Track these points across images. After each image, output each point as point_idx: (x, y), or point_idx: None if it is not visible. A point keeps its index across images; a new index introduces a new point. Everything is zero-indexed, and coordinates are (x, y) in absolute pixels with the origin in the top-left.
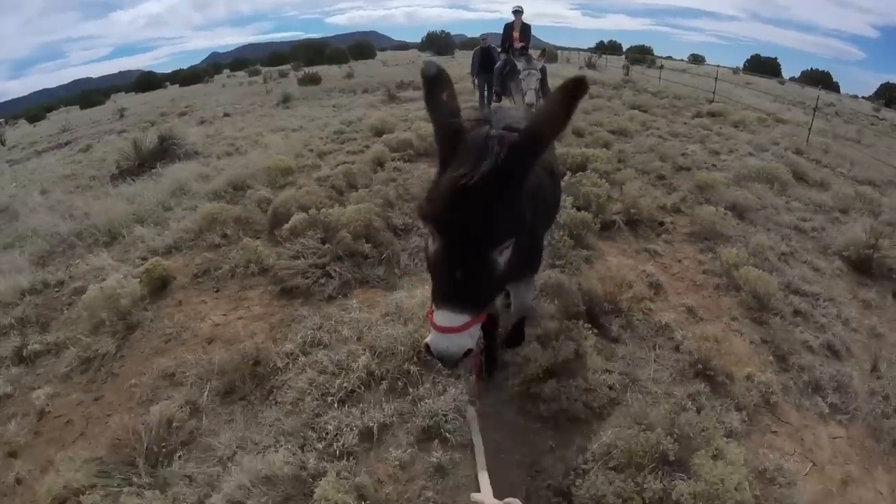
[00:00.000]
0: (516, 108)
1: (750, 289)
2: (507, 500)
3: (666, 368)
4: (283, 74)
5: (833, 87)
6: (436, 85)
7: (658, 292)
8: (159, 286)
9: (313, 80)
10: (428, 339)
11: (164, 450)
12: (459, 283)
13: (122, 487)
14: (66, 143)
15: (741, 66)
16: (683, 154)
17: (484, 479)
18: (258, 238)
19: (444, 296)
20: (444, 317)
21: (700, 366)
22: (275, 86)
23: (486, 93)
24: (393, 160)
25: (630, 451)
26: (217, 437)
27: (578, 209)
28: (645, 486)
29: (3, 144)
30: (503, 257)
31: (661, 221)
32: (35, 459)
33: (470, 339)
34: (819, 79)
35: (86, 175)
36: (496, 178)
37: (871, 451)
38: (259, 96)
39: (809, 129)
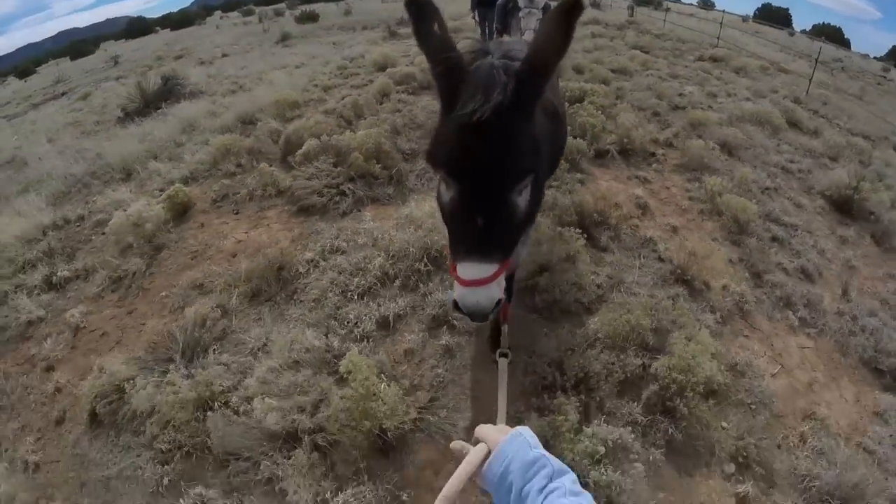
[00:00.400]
0: (514, 41)
1: (731, 214)
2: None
3: (649, 274)
4: (279, 13)
5: (844, 43)
6: (423, 16)
7: (645, 213)
8: (181, 211)
9: (311, 17)
10: (455, 295)
11: (198, 347)
12: (481, 231)
13: (162, 378)
14: (63, 94)
15: (751, 13)
16: (681, 94)
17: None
18: (272, 165)
19: (467, 247)
20: (469, 269)
21: (680, 272)
22: (271, 25)
23: (486, 30)
24: (397, 92)
25: (615, 333)
26: (247, 333)
27: (574, 137)
28: (627, 362)
29: None
30: (523, 197)
31: (653, 153)
32: (73, 370)
33: (499, 288)
34: (829, 33)
35: (89, 121)
36: (510, 110)
37: (839, 363)
38: (256, 36)
39: (810, 80)
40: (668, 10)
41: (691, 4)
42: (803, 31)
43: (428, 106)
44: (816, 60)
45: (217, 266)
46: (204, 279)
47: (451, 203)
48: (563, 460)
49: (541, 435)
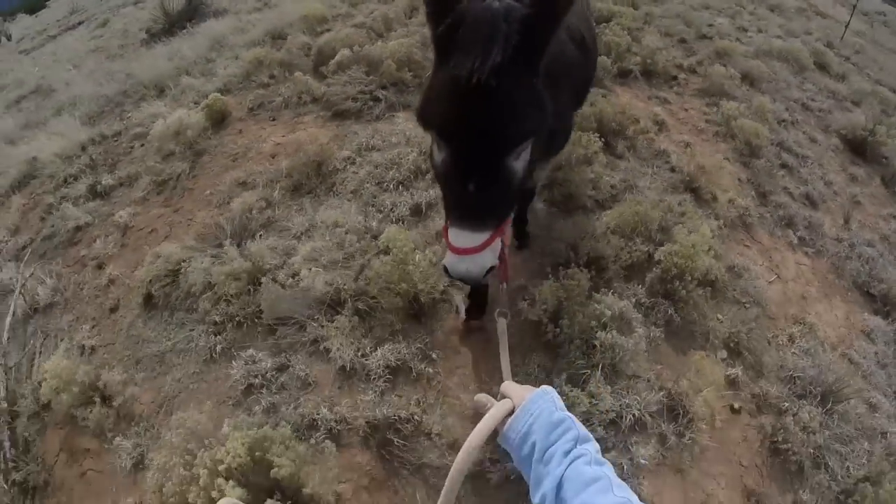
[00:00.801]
0: None
1: (743, 137)
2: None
3: (660, 182)
4: None
5: None
6: None
7: (662, 129)
8: (219, 119)
9: None
10: (445, 261)
11: (245, 232)
12: (474, 197)
13: (215, 258)
14: (80, 24)
15: None
16: (710, 25)
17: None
18: (305, 75)
19: (459, 213)
20: (460, 237)
21: (689, 180)
22: None
23: None
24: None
25: (624, 222)
26: (290, 220)
27: (599, 54)
28: (634, 248)
29: (10, 39)
30: (521, 161)
31: (675, 76)
32: (124, 264)
33: (492, 255)
34: None
35: (113, 46)
36: (510, 68)
37: (832, 283)
38: None
39: (846, 25)
40: None
41: None
42: None
43: None
44: (854, 6)
45: (258, 166)
46: (246, 177)
47: (443, 166)
48: (573, 321)
49: (554, 297)
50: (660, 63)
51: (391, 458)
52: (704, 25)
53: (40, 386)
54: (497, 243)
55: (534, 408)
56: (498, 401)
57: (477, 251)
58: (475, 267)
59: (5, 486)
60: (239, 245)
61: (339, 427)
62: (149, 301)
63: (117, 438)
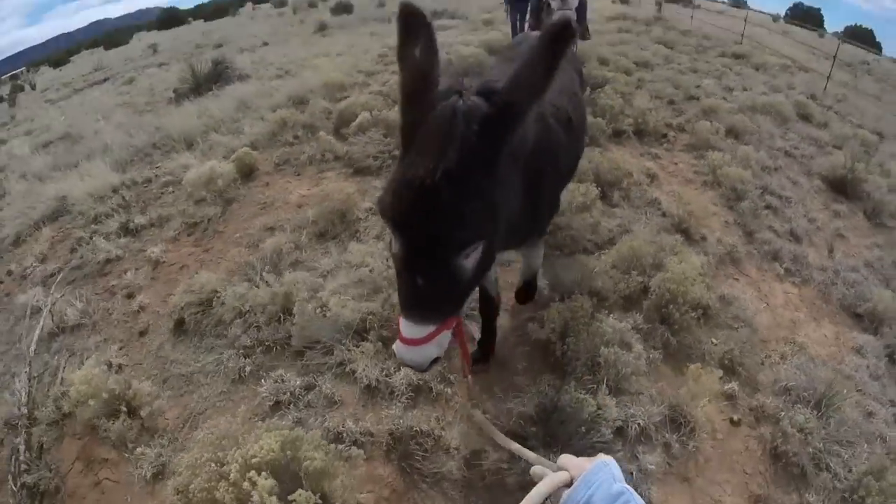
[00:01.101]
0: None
1: (729, 184)
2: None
3: (653, 225)
4: (312, 5)
5: (875, 45)
6: (410, 32)
7: (653, 181)
8: (247, 172)
9: (346, 8)
10: (395, 346)
11: (275, 270)
12: (421, 291)
13: (250, 283)
14: (105, 80)
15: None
16: (698, 86)
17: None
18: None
19: (406, 304)
20: (406, 327)
21: (679, 222)
22: (306, 16)
23: (518, 25)
24: None
25: (621, 258)
26: (317, 262)
27: (595, 116)
28: (630, 280)
29: (34, 88)
30: (471, 260)
31: (665, 134)
32: (155, 295)
33: (437, 348)
34: (861, 35)
35: (140, 102)
36: (462, 171)
37: (820, 308)
38: (293, 26)
39: (828, 77)
40: (697, 6)
41: (722, 2)
42: (835, 33)
43: None
44: (835, 58)
45: (285, 214)
46: (274, 223)
47: (396, 256)
48: (578, 339)
49: (561, 318)
50: (651, 123)
51: (412, 471)
52: (692, 87)
53: (62, 396)
54: (445, 335)
55: (594, 479)
56: (555, 472)
57: (422, 342)
58: (419, 357)
59: (14, 488)
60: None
61: (363, 439)
62: (179, 326)
63: (139, 448)
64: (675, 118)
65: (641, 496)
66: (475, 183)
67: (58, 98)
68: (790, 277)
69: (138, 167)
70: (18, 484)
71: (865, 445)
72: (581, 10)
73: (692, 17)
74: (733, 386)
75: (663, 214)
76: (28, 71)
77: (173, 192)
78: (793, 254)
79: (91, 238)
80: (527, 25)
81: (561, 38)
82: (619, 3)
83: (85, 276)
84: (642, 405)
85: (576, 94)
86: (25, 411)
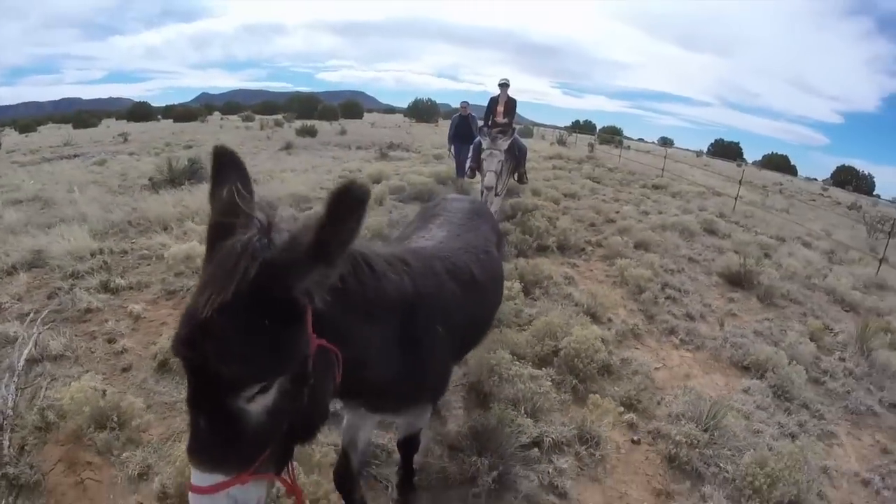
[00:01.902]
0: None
1: (634, 282)
2: None
3: (568, 312)
4: (279, 124)
5: (790, 170)
6: (221, 171)
7: (570, 282)
8: None
9: (310, 132)
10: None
11: None
12: (202, 434)
13: None
14: (76, 156)
15: (706, 149)
16: (616, 212)
17: None
18: None
19: (189, 447)
20: (193, 473)
21: (589, 309)
22: (273, 133)
23: (461, 165)
24: (390, 200)
25: (537, 331)
26: None
27: (524, 234)
28: (544, 344)
29: (0, 147)
30: (258, 406)
31: (584, 248)
32: (137, 342)
33: (229, 500)
34: (777, 162)
35: (113, 184)
36: (240, 309)
37: (712, 366)
38: (260, 141)
39: (735, 198)
40: (627, 147)
41: (652, 143)
42: (754, 163)
43: (413, 212)
44: (740, 182)
45: None
46: None
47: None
48: (500, 380)
49: (487, 365)
50: (571, 240)
51: None
52: (612, 212)
53: (47, 408)
54: (247, 488)
55: None
56: None
57: (209, 492)
58: None
59: None
60: None
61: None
62: (163, 367)
63: (125, 454)
64: (593, 237)
65: (558, 493)
66: (251, 322)
67: (26, 162)
68: (685, 346)
69: (115, 239)
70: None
71: (752, 451)
72: (521, 156)
73: (619, 156)
74: (632, 416)
75: (576, 304)
76: None
77: (150, 264)
78: (687, 329)
79: (71, 289)
80: (467, 165)
81: (345, 197)
82: (557, 145)
83: (65, 319)
84: (555, 426)
85: (487, 252)
86: (11, 413)
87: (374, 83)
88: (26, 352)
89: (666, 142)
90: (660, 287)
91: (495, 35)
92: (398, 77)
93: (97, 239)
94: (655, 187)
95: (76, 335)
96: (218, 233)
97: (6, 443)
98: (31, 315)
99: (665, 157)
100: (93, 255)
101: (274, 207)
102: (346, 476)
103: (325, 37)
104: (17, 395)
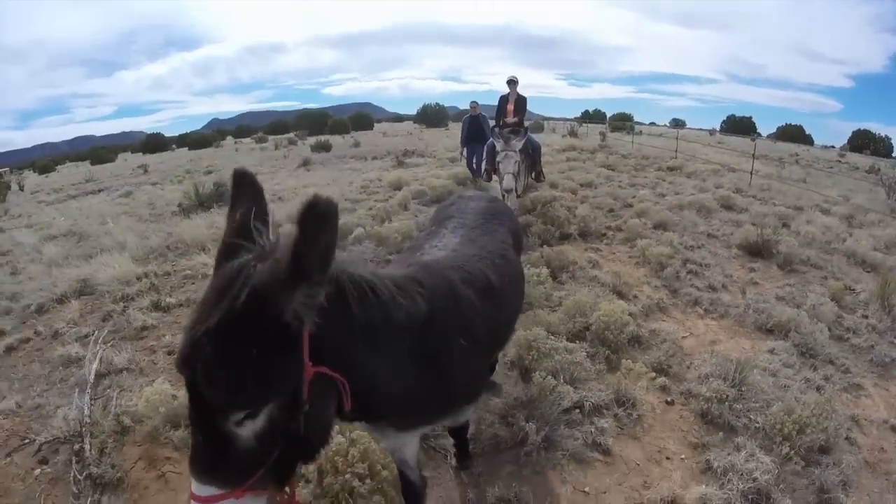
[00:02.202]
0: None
1: (656, 260)
2: None
3: (595, 292)
4: (293, 142)
5: (806, 139)
6: (238, 192)
7: (595, 266)
8: None
9: (325, 147)
10: None
11: None
12: (198, 447)
13: None
14: (100, 191)
15: (718, 127)
16: (633, 196)
17: None
18: None
19: (190, 458)
20: (192, 483)
21: (616, 288)
22: (287, 152)
23: (474, 168)
24: (414, 203)
25: (567, 309)
26: None
27: (545, 225)
28: (575, 322)
29: (22, 190)
30: (247, 430)
31: (604, 233)
32: None
33: None
34: (792, 133)
35: (143, 213)
36: (228, 335)
37: (737, 331)
38: (277, 160)
39: (751, 173)
40: (639, 132)
41: (664, 125)
42: (769, 136)
43: None
44: (753, 156)
45: None
46: None
47: None
48: (539, 353)
49: (525, 342)
50: (592, 226)
51: None
52: (629, 197)
53: (122, 414)
54: (244, 502)
55: None
56: None
57: (205, 502)
58: None
59: (79, 477)
60: None
61: None
62: None
63: None
64: (613, 222)
65: (602, 450)
66: (237, 349)
67: (52, 201)
68: (710, 315)
69: (157, 263)
70: (83, 475)
71: (780, 402)
72: (535, 154)
73: (632, 142)
74: (664, 380)
75: (602, 284)
76: (12, 172)
77: (194, 283)
78: (710, 299)
79: (124, 310)
80: (483, 168)
81: (308, 218)
82: (569, 137)
83: (122, 338)
84: (593, 391)
85: (504, 256)
86: (88, 420)
87: (380, 93)
88: (94, 367)
89: (678, 123)
90: (681, 263)
91: (492, 32)
92: (402, 84)
93: (139, 264)
94: (670, 169)
95: (136, 351)
96: (225, 254)
97: (87, 446)
98: (94, 335)
99: (677, 139)
100: (138, 278)
101: (278, 232)
102: (412, 494)
103: (326, 51)
104: (91, 405)
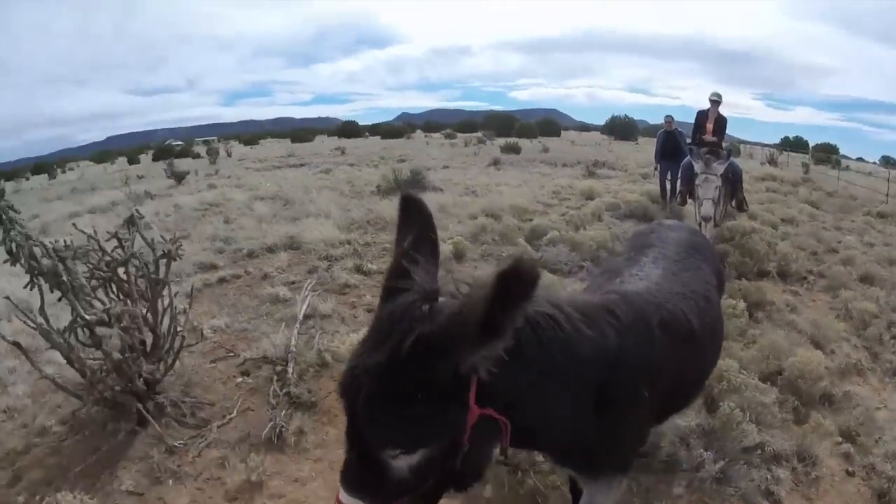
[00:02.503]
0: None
1: (859, 316)
2: None
3: (791, 339)
4: (481, 141)
5: None
6: (406, 218)
7: (793, 310)
8: (460, 255)
9: (514, 149)
10: None
11: None
12: (350, 462)
13: None
14: (301, 165)
15: None
16: (839, 241)
17: None
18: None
19: (342, 468)
20: (342, 492)
21: (813, 338)
22: (478, 150)
23: (667, 184)
24: (608, 216)
25: (762, 348)
26: None
27: (743, 257)
28: (769, 362)
29: (230, 156)
30: (402, 462)
31: (805, 277)
32: None
33: None
34: None
35: (343, 189)
36: (392, 376)
37: None
38: (467, 157)
39: None
40: (845, 167)
41: (873, 163)
42: None
43: (631, 229)
44: None
45: None
46: None
47: None
48: (729, 385)
49: (717, 371)
50: (792, 267)
51: None
52: (833, 241)
53: (324, 350)
54: None
55: None
56: None
57: None
58: None
59: (278, 391)
60: None
61: None
62: None
63: None
64: (815, 266)
65: (773, 500)
66: (400, 392)
67: (258, 169)
68: None
69: (357, 233)
70: (283, 392)
71: None
72: (735, 179)
73: (839, 178)
74: (849, 447)
75: (799, 331)
76: (219, 141)
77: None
78: None
79: (329, 267)
80: (678, 189)
81: (510, 282)
82: (767, 165)
83: (326, 290)
84: (776, 438)
85: (707, 298)
86: (294, 349)
87: (566, 100)
88: (304, 308)
89: (889, 161)
90: (886, 325)
91: (682, 42)
92: (589, 93)
93: (343, 232)
94: (880, 215)
95: (339, 304)
96: (391, 292)
97: (290, 370)
98: (305, 282)
99: (888, 180)
100: (342, 244)
101: (434, 274)
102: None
103: (511, 56)
104: (297, 338)
